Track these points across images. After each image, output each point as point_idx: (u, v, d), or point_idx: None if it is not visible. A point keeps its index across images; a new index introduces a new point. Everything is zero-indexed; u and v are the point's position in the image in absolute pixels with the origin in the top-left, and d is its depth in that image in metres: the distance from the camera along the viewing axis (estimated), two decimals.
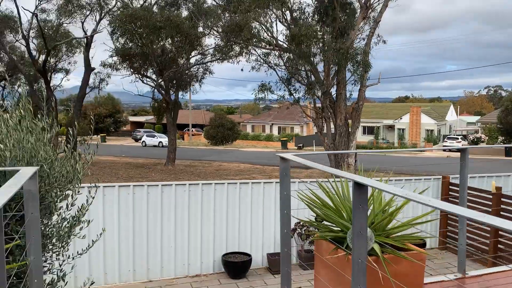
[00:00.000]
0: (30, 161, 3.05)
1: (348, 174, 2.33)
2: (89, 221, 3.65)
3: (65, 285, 3.65)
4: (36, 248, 2.66)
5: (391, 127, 50.80)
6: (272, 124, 58.50)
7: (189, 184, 7.07)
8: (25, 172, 2.53)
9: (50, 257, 3.44)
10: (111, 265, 6.67)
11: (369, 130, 51.77)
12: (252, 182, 7.46)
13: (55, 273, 3.57)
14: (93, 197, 3.65)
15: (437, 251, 8.31)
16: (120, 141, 50.09)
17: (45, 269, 3.43)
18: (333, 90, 18.91)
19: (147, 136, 45.73)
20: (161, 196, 6.87)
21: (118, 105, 59.83)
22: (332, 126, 19.54)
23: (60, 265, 3.67)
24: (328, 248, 2.95)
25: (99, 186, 6.56)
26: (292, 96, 21.34)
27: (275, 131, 57.74)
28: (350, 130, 19.71)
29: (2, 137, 2.94)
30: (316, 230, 3.24)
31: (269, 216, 7.51)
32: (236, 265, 6.95)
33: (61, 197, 3.41)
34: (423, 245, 8.02)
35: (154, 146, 43.62)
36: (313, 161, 2.93)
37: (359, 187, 2.21)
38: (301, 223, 7.43)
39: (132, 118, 70.30)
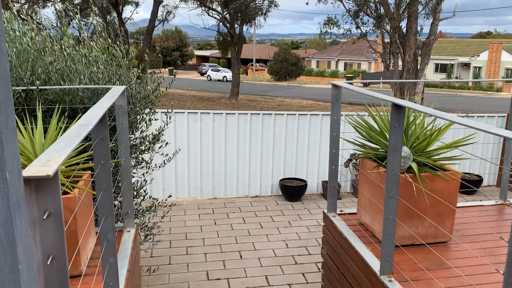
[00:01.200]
0: (117, 82, 3.61)
1: (388, 97, 2.62)
2: (166, 142, 4.26)
3: (145, 194, 4.37)
4: (125, 152, 3.27)
5: (466, 65, 47.58)
6: (338, 59, 56.90)
7: (251, 113, 7.55)
8: (116, 89, 3.08)
9: (134, 166, 4.12)
10: (181, 183, 7.51)
11: (441, 68, 48.89)
12: (310, 114, 7.80)
13: (140, 179, 4.28)
14: (170, 117, 4.21)
15: (494, 188, 8.33)
16: (187, 75, 51.58)
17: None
18: (403, 24, 18.08)
19: (212, 70, 46.65)
20: (225, 124, 7.44)
21: (185, 39, 60.86)
22: (400, 62, 18.89)
23: (143, 174, 4.37)
24: (371, 165, 3.31)
25: (171, 111, 7.24)
26: (359, 30, 20.68)
27: (340, 67, 56.27)
28: (418, 67, 18.99)
29: (94, 60, 3.50)
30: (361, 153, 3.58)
31: (325, 146, 7.88)
32: (292, 189, 7.52)
33: (142, 115, 4.01)
34: (479, 181, 8.08)
35: (219, 80, 44.56)
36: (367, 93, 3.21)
37: (397, 108, 2.51)
38: (356, 154, 7.75)
39: (198, 52, 71.40)
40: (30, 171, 1.21)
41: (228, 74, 41.20)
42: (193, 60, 66.82)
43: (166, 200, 4.37)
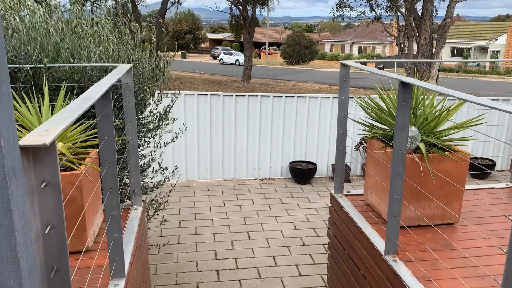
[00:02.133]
0: (126, 61, 3.61)
1: (396, 75, 2.57)
2: (174, 119, 4.26)
3: (153, 170, 4.40)
4: (132, 130, 3.28)
5: (483, 49, 46.56)
6: (352, 43, 56.13)
7: (261, 96, 7.52)
8: (123, 67, 3.08)
9: (142, 144, 4.14)
10: (191, 164, 7.55)
11: (458, 52, 47.92)
12: (321, 97, 7.73)
13: (148, 156, 4.31)
14: (177, 97, 4.21)
15: (507, 173, 8.21)
16: (199, 58, 51.46)
17: (139, 154, 4.15)
18: (418, 6, 17.71)
19: (224, 53, 46.41)
20: (235, 106, 7.42)
21: (197, 21, 60.50)
22: (415, 46, 18.58)
23: (151, 152, 4.40)
24: (378, 146, 3.27)
25: (180, 93, 7.24)
26: (373, 13, 20.34)
27: (355, 51, 55.52)
28: (434, 51, 18.64)
29: (104, 39, 3.50)
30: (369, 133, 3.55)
31: (336, 129, 7.81)
32: (302, 171, 7.51)
33: (150, 93, 4.01)
34: (492, 165, 7.97)
35: (231, 64, 44.36)
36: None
37: (404, 86, 2.47)
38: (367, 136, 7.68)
39: (211, 35, 71.04)
40: (27, 140, 1.22)
41: (241, 58, 40.98)
42: (205, 43, 66.53)
43: (171, 174, 4.39)
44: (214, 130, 7.47)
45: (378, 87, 3.64)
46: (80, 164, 2.73)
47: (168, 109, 4.30)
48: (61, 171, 2.76)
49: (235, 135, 7.56)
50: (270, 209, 6.50)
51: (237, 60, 44.02)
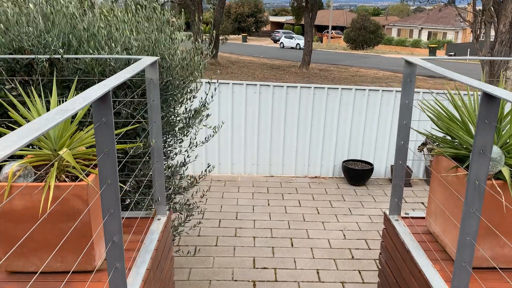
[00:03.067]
0: (154, 52, 3.21)
1: (477, 82, 1.95)
2: (207, 115, 3.84)
3: (186, 169, 4.03)
4: (157, 132, 2.90)
5: None
6: (422, 28, 52.94)
7: (315, 87, 6.92)
8: (146, 60, 2.68)
9: (174, 143, 3.77)
10: (237, 158, 7.17)
11: None
12: (382, 90, 6.99)
13: (183, 155, 3.94)
14: (215, 89, 3.77)
15: None
16: (260, 42, 51.00)
17: (172, 153, 3.79)
18: None
19: (285, 37, 45.55)
20: (286, 97, 6.90)
21: (260, 4, 59.87)
22: (492, 33, 16.89)
23: (187, 151, 4.02)
24: (447, 165, 2.64)
25: (215, 82, 6.84)
26: None
27: (424, 37, 52.36)
28: None
29: (131, 27, 3.12)
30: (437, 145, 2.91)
31: (397, 127, 7.07)
32: (356, 172, 6.88)
33: (184, 88, 3.61)
34: None
35: (292, 48, 43.47)
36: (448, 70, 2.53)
37: (489, 99, 1.84)
38: (434, 137, 6.87)
39: (273, 18, 70.15)
40: None
41: (302, 42, 39.94)
42: (267, 26, 65.83)
43: (204, 172, 3.99)
44: (263, 123, 7.01)
45: (449, 88, 2.98)
46: (90, 173, 2.39)
47: (204, 103, 3.88)
48: (66, 181, 2.43)
49: (285, 128, 7.05)
50: (318, 213, 5.97)
51: (297, 44, 43.05)
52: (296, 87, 6.89)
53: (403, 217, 3.18)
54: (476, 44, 18.09)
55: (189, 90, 3.70)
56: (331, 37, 52.53)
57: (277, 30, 55.12)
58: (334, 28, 55.71)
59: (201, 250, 4.91)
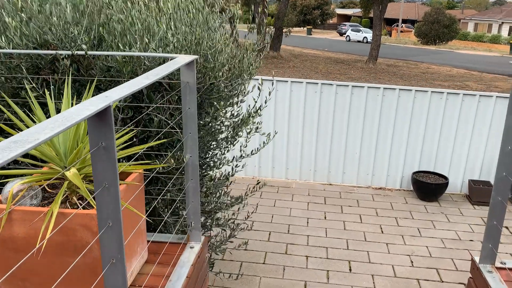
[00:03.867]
0: (196, 51, 2.72)
1: None
2: (258, 123, 3.29)
3: (230, 183, 3.53)
4: (192, 145, 2.41)
5: None
6: (502, 22, 48.81)
7: (384, 88, 6.15)
8: (180, 60, 2.19)
9: (217, 153, 3.29)
10: (293, 162, 6.59)
11: None
12: (463, 94, 6.08)
13: (230, 165, 3.45)
14: (269, 93, 3.23)
15: None
16: (325, 35, 49.66)
17: (215, 164, 3.31)
18: None
19: (352, 30, 43.90)
20: (350, 98, 6.20)
21: None
22: None
23: (234, 160, 3.52)
24: None
25: (286, 81, 6.27)
26: None
27: (504, 32, 48.25)
28: None
29: (168, 20, 2.65)
30: None
31: (479, 136, 6.15)
32: (428, 186, 6.05)
33: (231, 92, 3.10)
34: None
35: (358, 41, 41.80)
36: None
37: None
38: None
39: (339, 11, 68.13)
40: None
41: (369, 35, 38.23)
42: (333, 19, 63.96)
43: (252, 190, 3.47)
44: (323, 125, 6.37)
45: None
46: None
47: (257, 109, 3.35)
48: (78, 206, 2.01)
49: (347, 132, 6.36)
50: (382, 232, 5.27)
51: (364, 37, 41.35)
52: (363, 87, 6.17)
53: (498, 268, 2.46)
54: None
55: (236, 93, 3.18)
56: (401, 31, 49.94)
57: (344, 23, 53.38)
58: (404, 21, 52.94)
59: (247, 268, 4.42)
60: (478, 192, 6.04)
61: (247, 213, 3.97)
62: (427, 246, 4.97)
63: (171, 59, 2.42)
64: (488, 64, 27.05)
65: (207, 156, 3.26)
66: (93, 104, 1.31)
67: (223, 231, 3.71)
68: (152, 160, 2.64)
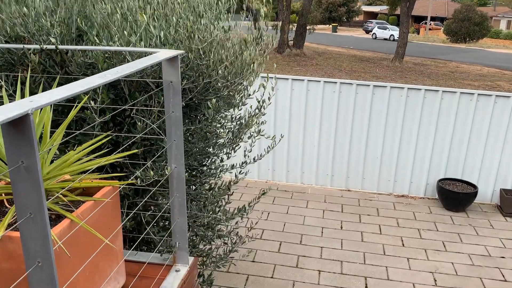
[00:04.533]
0: (189, 45, 2.39)
1: None
2: (260, 125, 2.94)
3: (231, 194, 3.20)
4: (177, 154, 2.09)
5: None
6: None
7: (408, 88, 5.69)
8: (160, 55, 1.87)
9: (216, 160, 2.95)
10: (308, 166, 6.21)
11: None
12: (496, 95, 5.56)
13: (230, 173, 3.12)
14: (268, 97, 2.87)
15: None
16: (351, 32, 48.70)
17: (211, 172, 2.98)
18: None
19: (378, 28, 42.85)
20: (371, 98, 5.77)
21: None
22: None
23: (240, 166, 3.19)
24: None
25: (302, 80, 5.89)
26: None
27: None
28: None
29: (153, 10, 2.32)
30: None
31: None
32: (455, 195, 5.57)
33: (231, 93, 2.76)
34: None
35: (385, 39, 40.77)
36: None
37: None
38: None
39: (366, 8, 66.88)
40: None
41: (396, 33, 37.17)
42: (360, 16, 62.88)
43: (256, 201, 3.12)
44: (341, 127, 5.96)
45: None
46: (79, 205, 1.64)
47: (259, 108, 2.99)
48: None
49: (368, 135, 5.94)
50: (403, 244, 4.84)
51: (391, 35, 40.32)
52: (386, 87, 5.73)
53: None
54: None
55: (239, 94, 2.84)
56: (429, 29, 48.52)
57: (370, 20, 52.27)
58: (433, 19, 51.43)
59: (253, 283, 4.09)
60: (510, 203, 5.53)
61: (251, 224, 3.63)
62: (452, 263, 4.52)
63: (150, 55, 2.10)
64: None
65: (204, 163, 2.93)
66: (4, 111, 0.99)
67: (224, 244, 3.38)
68: (138, 170, 2.33)
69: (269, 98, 2.99)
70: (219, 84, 2.59)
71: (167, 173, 2.04)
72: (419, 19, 52.01)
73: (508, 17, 50.31)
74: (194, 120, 2.66)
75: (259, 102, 2.90)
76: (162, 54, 1.91)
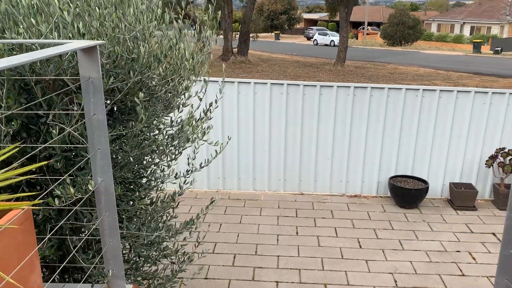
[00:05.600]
0: (115, 37, 2.06)
1: None
2: (209, 126, 2.64)
3: (177, 205, 2.87)
4: (104, 164, 1.75)
5: None
6: (464, 23, 50.01)
7: (355, 87, 5.63)
8: (73, 45, 1.53)
9: (155, 169, 2.62)
10: (260, 171, 5.97)
11: None
12: (440, 90, 5.62)
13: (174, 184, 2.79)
14: (215, 101, 2.59)
15: None
16: (293, 39, 49.54)
17: (149, 184, 2.64)
18: None
19: (319, 34, 43.89)
20: (319, 99, 5.64)
21: (293, 1, 58.37)
22: None
23: (186, 173, 2.86)
24: None
25: (249, 83, 5.66)
26: None
27: (466, 32, 49.43)
28: None
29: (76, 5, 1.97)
30: None
31: (458, 137, 5.70)
32: (407, 192, 5.54)
33: (168, 93, 2.45)
34: None
35: (326, 45, 41.80)
36: None
37: None
38: (507, 151, 5.45)
39: (306, 15, 68.52)
40: None
41: (336, 38, 38.23)
42: (300, 24, 64.23)
43: (196, 220, 2.82)
44: (291, 129, 5.78)
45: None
46: None
47: (204, 113, 2.70)
48: None
49: (318, 136, 5.80)
50: (360, 246, 4.70)
51: (332, 41, 41.40)
52: (332, 86, 5.62)
53: None
54: None
55: (177, 94, 2.53)
56: (367, 34, 50.40)
57: (311, 27, 53.49)
58: (370, 24, 53.52)
59: None
60: (460, 196, 5.58)
61: (198, 239, 3.31)
62: (411, 261, 4.43)
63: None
64: (454, 63, 27.31)
65: (142, 175, 2.59)
66: None
67: (172, 263, 3.04)
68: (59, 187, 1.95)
69: (216, 101, 2.71)
70: (154, 82, 2.27)
71: (91, 188, 1.70)
72: (357, 25, 53.94)
73: (438, 21, 53.40)
74: (127, 125, 2.32)
75: (202, 105, 2.61)
76: (76, 43, 1.57)
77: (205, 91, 2.48)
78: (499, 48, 37.17)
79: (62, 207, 1.85)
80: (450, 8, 61.59)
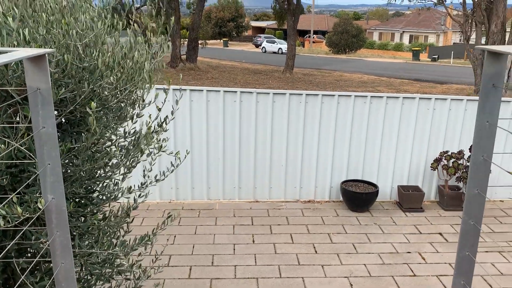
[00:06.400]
0: (66, 45, 1.94)
1: None
2: (164, 139, 2.55)
3: (132, 220, 2.76)
4: (54, 181, 1.63)
5: None
6: (403, 31, 52.61)
7: (306, 94, 5.72)
8: (18, 54, 1.42)
9: (107, 184, 2.50)
10: (214, 180, 5.90)
11: None
12: (387, 97, 5.83)
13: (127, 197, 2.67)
14: (172, 112, 2.51)
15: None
16: (242, 46, 49.81)
17: (103, 198, 2.52)
18: None
19: (267, 42, 44.46)
20: (272, 106, 5.68)
21: (241, 9, 58.79)
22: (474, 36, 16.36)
23: (140, 186, 2.75)
24: None
25: (202, 90, 5.59)
26: None
27: (405, 40, 52.00)
28: (507, 40, 16.20)
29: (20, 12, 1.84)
30: None
31: (405, 141, 5.94)
32: (358, 196, 5.68)
33: (121, 103, 2.35)
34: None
35: (274, 52, 42.40)
36: None
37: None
38: (450, 154, 5.74)
39: (254, 23, 69.23)
40: None
41: (284, 46, 38.88)
42: (248, 31, 64.80)
43: (151, 238, 2.73)
44: (245, 137, 5.77)
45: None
46: None
47: (159, 125, 2.62)
48: None
49: (271, 143, 5.83)
50: (316, 251, 4.75)
51: (279, 48, 42.07)
52: (285, 94, 5.67)
53: None
54: (467, 45, 17.33)
55: (131, 105, 2.44)
56: (313, 42, 51.70)
57: (259, 35, 54.13)
58: (315, 32, 54.94)
59: None
60: (408, 198, 5.80)
61: (156, 253, 3.20)
62: (365, 264, 4.53)
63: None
64: (395, 70, 28.60)
65: (94, 189, 2.46)
66: None
67: (127, 280, 2.90)
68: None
69: (172, 113, 2.63)
70: (106, 92, 2.17)
71: (40, 207, 1.58)
72: (303, 33, 55.16)
73: (379, 29, 55.77)
74: (78, 137, 2.20)
75: (154, 115, 2.52)
76: (23, 52, 1.46)
77: (164, 101, 2.40)
78: (436, 56, 39.43)
79: (7, 228, 1.71)
80: (390, 18, 64.62)
